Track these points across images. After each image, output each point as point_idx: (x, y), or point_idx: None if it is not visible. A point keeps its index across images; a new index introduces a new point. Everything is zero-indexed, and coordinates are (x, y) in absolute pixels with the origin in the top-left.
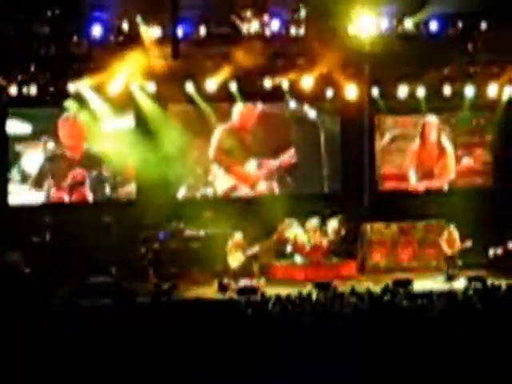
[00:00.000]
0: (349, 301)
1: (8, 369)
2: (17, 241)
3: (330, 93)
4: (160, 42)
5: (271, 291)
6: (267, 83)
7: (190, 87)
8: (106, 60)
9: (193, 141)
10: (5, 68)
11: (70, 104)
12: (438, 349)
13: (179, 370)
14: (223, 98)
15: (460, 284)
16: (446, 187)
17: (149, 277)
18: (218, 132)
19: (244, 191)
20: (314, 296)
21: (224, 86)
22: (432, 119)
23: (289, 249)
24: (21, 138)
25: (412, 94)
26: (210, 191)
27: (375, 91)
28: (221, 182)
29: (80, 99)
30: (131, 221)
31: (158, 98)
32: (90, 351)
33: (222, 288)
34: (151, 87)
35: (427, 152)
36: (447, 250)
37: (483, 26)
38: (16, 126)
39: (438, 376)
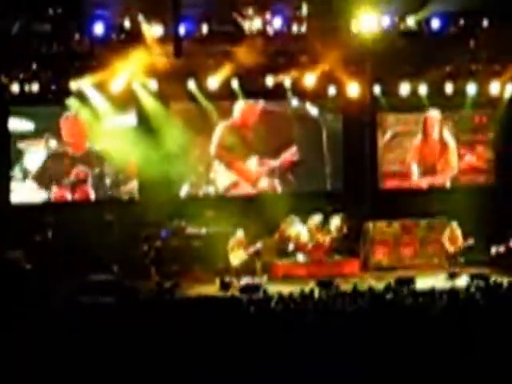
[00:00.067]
0: (351, 299)
1: (8, 368)
2: (19, 239)
3: (332, 91)
4: (162, 40)
5: (273, 289)
6: (269, 81)
7: (192, 85)
8: (108, 58)
9: (195, 139)
10: (7, 66)
11: (71, 102)
12: (440, 347)
13: (181, 368)
14: (225, 95)
15: (462, 281)
16: (448, 184)
17: (151, 275)
18: (220, 129)
19: (245, 188)
20: (317, 294)
21: (226, 84)
22: (434, 114)
23: (291, 247)
24: (23, 136)
25: (414, 92)
26: (211, 189)
27: (377, 89)
28: (222, 178)
29: (82, 97)
30: (133, 219)
31: (160, 96)
32: (92, 349)
33: (224, 286)
34: (153, 85)
35: (429, 147)
36: (449, 248)
37: (485, 23)
38: (18, 124)
39: (440, 374)
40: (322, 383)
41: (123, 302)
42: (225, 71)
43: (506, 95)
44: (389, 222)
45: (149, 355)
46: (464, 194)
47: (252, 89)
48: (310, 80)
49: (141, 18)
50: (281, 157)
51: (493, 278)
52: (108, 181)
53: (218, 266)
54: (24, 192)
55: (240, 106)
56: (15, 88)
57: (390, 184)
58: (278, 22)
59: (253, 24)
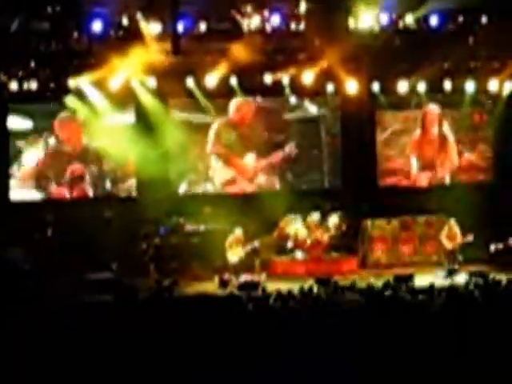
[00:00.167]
0: (349, 296)
1: (4, 367)
2: (17, 237)
3: (330, 88)
4: (160, 37)
5: (272, 286)
6: (267, 78)
7: (190, 83)
8: (107, 56)
9: (193, 136)
10: (5, 64)
11: (70, 100)
12: (439, 344)
13: (179, 365)
14: (223, 93)
15: (461, 279)
16: (447, 180)
17: (150, 272)
18: (216, 125)
19: (242, 185)
20: (315, 291)
21: (224, 82)
22: (433, 108)
23: (290, 244)
24: (22, 134)
25: (412, 89)
26: (210, 187)
27: (375, 86)
28: (219, 174)
29: (80, 95)
30: (132, 216)
31: (159, 94)
32: (90, 348)
33: (223, 283)
34: (152, 83)
35: (428, 141)
36: (448, 245)
37: (484, 20)
38: (17, 122)
39: (438, 372)
40: (318, 381)
41: (122, 300)
42: (223, 69)
43: (505, 92)
44: (387, 220)
45: (147, 353)
46: (463, 191)
47: (250, 86)
48: (308, 77)
49: (139, 15)
50: (277, 153)
51: (491, 276)
52: (106, 178)
53: (216, 264)
54: (23, 190)
55: (236, 102)
56: (14, 86)
57: (389, 181)
58: (276, 20)
59: (251, 21)
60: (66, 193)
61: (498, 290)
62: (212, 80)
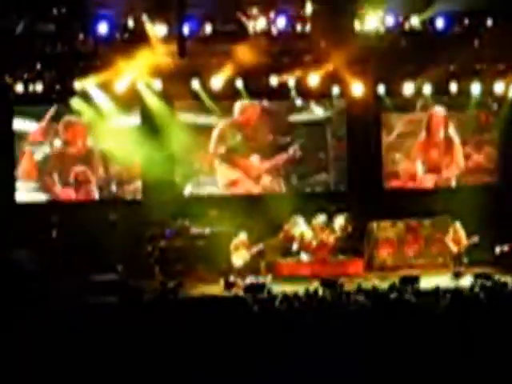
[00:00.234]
0: (355, 298)
1: (9, 368)
2: (23, 238)
3: (336, 90)
4: (166, 39)
5: (278, 289)
6: (273, 81)
7: (196, 85)
8: (112, 58)
9: (199, 138)
10: (11, 66)
11: (75, 102)
12: (444, 346)
13: (184, 367)
14: (229, 95)
15: (466, 281)
16: (453, 183)
17: (155, 274)
18: (220, 126)
19: (246, 185)
20: (321, 293)
21: (230, 84)
22: (439, 110)
23: (295, 246)
24: (27, 136)
25: (418, 92)
26: (215, 189)
27: (381, 88)
28: (222, 175)
29: (86, 97)
30: (137, 219)
31: (164, 96)
32: (95, 349)
33: (229, 286)
34: (157, 85)
35: (434, 144)
36: (453, 248)
37: (489, 23)
38: (22, 124)
39: (443, 374)
40: (323, 383)
41: (127, 302)
42: (229, 71)
43: (511, 94)
44: (393, 222)
45: (152, 355)
46: (468, 193)
47: (256, 88)
48: (314, 80)
49: (145, 17)
50: (282, 155)
51: (497, 278)
52: (112, 181)
53: (222, 266)
54: (29, 192)
55: (241, 105)
56: (19, 88)
57: (395, 184)
58: (282, 22)
59: (257, 23)
60: (71, 195)
61: (503, 292)
62: (217, 82)
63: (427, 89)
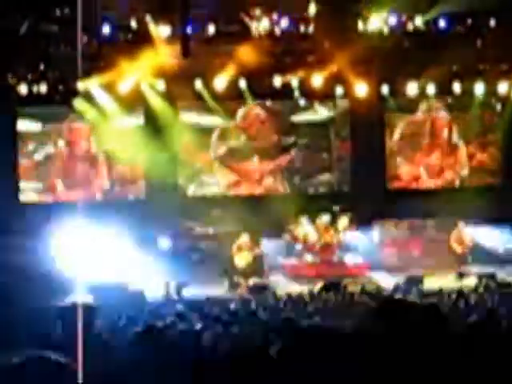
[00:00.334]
0: (359, 299)
1: None
2: (27, 239)
3: (339, 91)
4: (169, 40)
5: (281, 289)
6: (276, 81)
7: (199, 85)
8: (116, 58)
9: (202, 139)
10: (14, 67)
11: (79, 103)
12: (447, 347)
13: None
14: (232, 96)
15: (471, 281)
16: (456, 183)
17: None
18: (221, 127)
19: (248, 187)
20: (324, 294)
21: (233, 84)
22: (442, 115)
23: (299, 247)
24: (31, 136)
25: (422, 92)
26: (218, 189)
27: (385, 89)
28: (222, 177)
29: (89, 98)
30: (140, 219)
31: (168, 97)
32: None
33: (233, 286)
34: (161, 85)
35: (438, 145)
36: (457, 248)
37: (492, 23)
38: (26, 125)
39: (445, 376)
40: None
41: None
42: (232, 71)
43: None
44: (397, 223)
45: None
46: (472, 193)
47: (259, 89)
48: (317, 80)
49: (148, 18)
50: (285, 156)
51: (501, 278)
52: (116, 181)
53: (225, 266)
54: (32, 192)
55: (244, 111)
56: (23, 89)
57: (398, 184)
58: (285, 22)
59: (260, 24)
60: (74, 195)
61: (507, 292)
62: (221, 83)
63: (430, 89)
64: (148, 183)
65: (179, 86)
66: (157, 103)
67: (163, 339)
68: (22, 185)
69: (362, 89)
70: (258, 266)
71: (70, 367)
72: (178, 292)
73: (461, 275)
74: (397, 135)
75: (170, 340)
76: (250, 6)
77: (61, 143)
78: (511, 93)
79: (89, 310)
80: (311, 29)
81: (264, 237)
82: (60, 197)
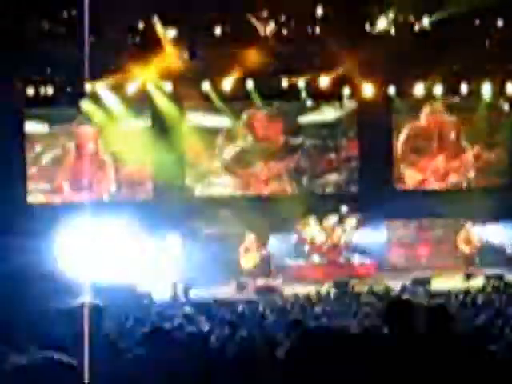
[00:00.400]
0: (366, 299)
1: None
2: (35, 239)
3: (346, 91)
4: (176, 42)
5: (289, 290)
6: (284, 82)
7: (206, 86)
8: (123, 60)
9: (208, 140)
10: (22, 69)
11: (86, 104)
12: (454, 348)
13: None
14: (239, 97)
15: (478, 282)
16: (464, 183)
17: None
18: (228, 127)
19: (256, 188)
20: (332, 295)
21: (240, 86)
22: (449, 118)
23: (306, 248)
24: (38, 138)
25: (429, 93)
26: (226, 190)
27: (391, 90)
28: (229, 180)
29: (96, 99)
30: (148, 220)
31: (175, 98)
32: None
33: (240, 287)
34: (168, 87)
35: (444, 145)
36: (465, 249)
37: (500, 23)
38: (33, 126)
39: (451, 376)
40: None
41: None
42: (239, 73)
43: None
44: (404, 223)
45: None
46: (479, 194)
47: (266, 90)
48: (324, 81)
49: (155, 20)
50: (293, 157)
51: (508, 278)
52: (123, 182)
53: (233, 267)
54: (40, 193)
55: (248, 114)
56: (30, 91)
57: (406, 185)
58: (292, 24)
59: (267, 26)
60: (82, 196)
61: None
62: (228, 84)
63: (437, 90)
64: (155, 184)
65: (186, 87)
66: (164, 104)
67: (171, 341)
68: (30, 186)
69: (368, 90)
70: (265, 267)
71: (76, 368)
72: (186, 293)
73: (468, 276)
74: (404, 136)
75: (177, 341)
76: (258, 7)
77: (68, 145)
78: None
79: (96, 310)
80: (318, 30)
81: (271, 238)
82: (67, 198)
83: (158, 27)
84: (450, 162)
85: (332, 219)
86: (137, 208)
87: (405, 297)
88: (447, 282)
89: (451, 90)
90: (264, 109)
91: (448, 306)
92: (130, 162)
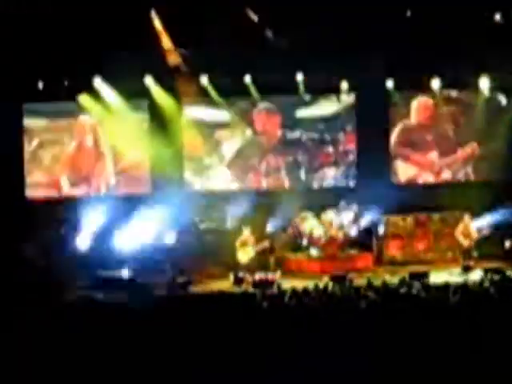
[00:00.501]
0: (364, 293)
1: (23, 367)
2: (33, 234)
3: (344, 86)
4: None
5: (287, 284)
6: (281, 76)
7: (204, 80)
8: (121, 54)
9: (207, 134)
10: (20, 63)
11: (84, 99)
12: (453, 342)
13: (193, 363)
14: (238, 91)
15: (476, 275)
16: (462, 177)
17: (165, 271)
18: (229, 122)
19: (255, 181)
20: (330, 289)
21: (239, 80)
22: (446, 110)
23: (304, 242)
24: (37, 132)
25: (427, 85)
26: (224, 184)
27: (390, 83)
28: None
29: (95, 93)
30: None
31: (173, 92)
32: (104, 345)
33: (238, 281)
34: (166, 80)
35: (442, 139)
36: (463, 242)
37: (497, 17)
38: (32, 121)
39: (452, 370)
40: (332, 378)
41: (137, 298)
42: (237, 67)
43: None
44: (402, 217)
45: (160, 351)
46: (477, 187)
47: (264, 84)
48: (322, 75)
49: (153, 13)
50: (288, 152)
51: (507, 272)
52: (121, 177)
53: (231, 261)
54: (39, 187)
55: (250, 103)
56: (29, 85)
57: (404, 178)
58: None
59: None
60: (81, 190)
61: None
62: (226, 78)
63: (436, 83)
64: (153, 178)
65: (184, 81)
66: (162, 98)
67: None
68: (28, 180)
69: (367, 83)
70: (262, 261)
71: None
72: (184, 288)
73: (466, 269)
74: (400, 129)
75: None
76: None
77: (67, 139)
78: None
79: None
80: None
81: (269, 232)
82: (66, 192)
83: (156, 20)
84: (446, 156)
85: (330, 213)
86: (135, 202)
87: (403, 290)
88: (445, 276)
89: (449, 83)
90: (262, 103)
91: (446, 299)
92: (128, 156)
